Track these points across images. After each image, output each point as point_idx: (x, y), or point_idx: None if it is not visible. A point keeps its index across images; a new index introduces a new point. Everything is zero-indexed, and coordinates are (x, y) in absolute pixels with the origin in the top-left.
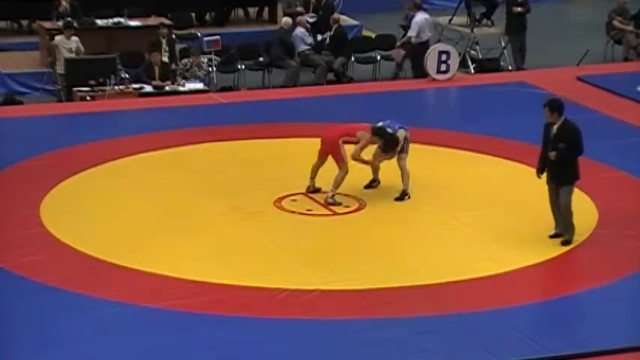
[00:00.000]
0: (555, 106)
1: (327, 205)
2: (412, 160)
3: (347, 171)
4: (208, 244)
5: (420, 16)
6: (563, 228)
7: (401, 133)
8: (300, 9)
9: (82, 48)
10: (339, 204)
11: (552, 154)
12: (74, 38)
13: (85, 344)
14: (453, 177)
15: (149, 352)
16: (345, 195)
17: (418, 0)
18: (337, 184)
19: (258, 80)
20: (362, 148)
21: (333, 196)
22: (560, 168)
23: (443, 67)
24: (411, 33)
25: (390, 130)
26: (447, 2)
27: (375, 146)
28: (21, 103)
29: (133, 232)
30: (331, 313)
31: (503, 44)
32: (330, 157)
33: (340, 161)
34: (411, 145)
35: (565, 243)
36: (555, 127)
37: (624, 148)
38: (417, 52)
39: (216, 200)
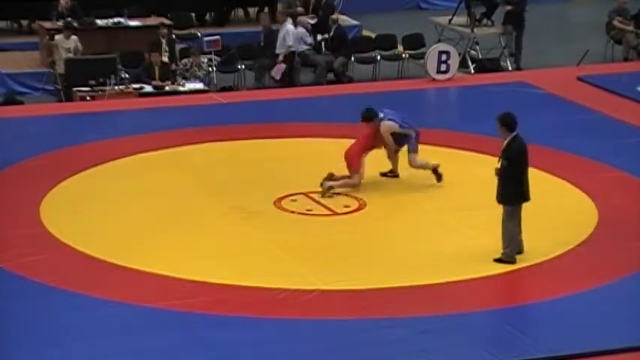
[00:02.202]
0: (504, 121)
1: (323, 194)
2: None
3: (358, 184)
4: (208, 244)
5: (291, 26)
6: (504, 246)
7: (387, 124)
8: (300, 9)
9: (80, 47)
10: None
11: (495, 170)
12: (73, 37)
13: (85, 344)
14: (453, 177)
15: (149, 352)
16: (346, 195)
17: (284, 10)
18: (341, 185)
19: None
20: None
21: (329, 188)
22: (502, 186)
23: (443, 67)
24: (290, 42)
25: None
26: (447, 2)
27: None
28: (21, 103)
29: (133, 232)
30: (331, 313)
31: (503, 44)
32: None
33: (355, 172)
34: None
35: (498, 260)
36: (504, 142)
37: (624, 148)
38: (288, 61)
39: (217, 200)
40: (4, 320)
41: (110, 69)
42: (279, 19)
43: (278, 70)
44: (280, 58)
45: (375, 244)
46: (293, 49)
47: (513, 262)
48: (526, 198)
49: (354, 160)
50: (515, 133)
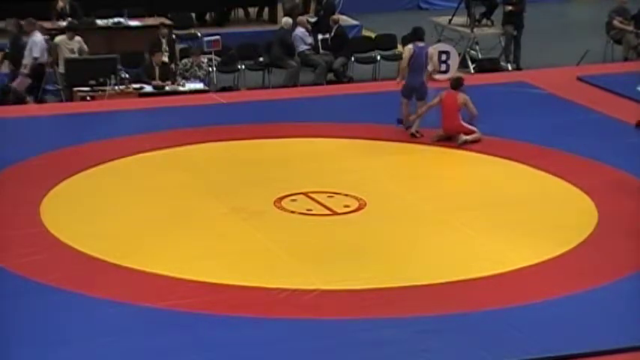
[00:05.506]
0: None
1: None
2: (411, 159)
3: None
4: (208, 244)
5: (40, 37)
6: None
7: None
8: (300, 9)
9: (85, 48)
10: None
11: None
12: (77, 39)
13: (85, 344)
14: (453, 177)
15: (149, 352)
16: (346, 195)
17: (33, 20)
18: (473, 138)
19: (258, 80)
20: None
21: (465, 142)
22: None
23: (443, 67)
24: (36, 54)
25: None
26: (447, 2)
27: None
28: (25, 102)
29: (133, 232)
30: (331, 313)
31: (503, 45)
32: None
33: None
34: (411, 146)
35: None
36: None
37: (624, 148)
38: (38, 72)
39: (217, 200)
40: (4, 320)
41: (110, 69)
42: (27, 28)
43: (21, 84)
44: (25, 70)
45: (375, 244)
46: (41, 60)
47: None
48: None
49: (463, 128)
50: None
